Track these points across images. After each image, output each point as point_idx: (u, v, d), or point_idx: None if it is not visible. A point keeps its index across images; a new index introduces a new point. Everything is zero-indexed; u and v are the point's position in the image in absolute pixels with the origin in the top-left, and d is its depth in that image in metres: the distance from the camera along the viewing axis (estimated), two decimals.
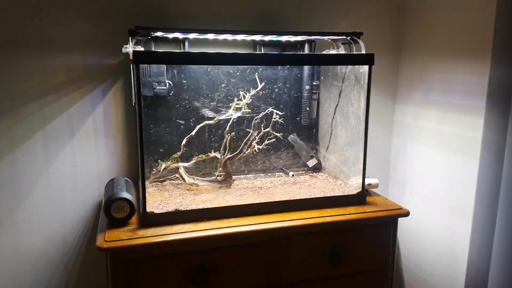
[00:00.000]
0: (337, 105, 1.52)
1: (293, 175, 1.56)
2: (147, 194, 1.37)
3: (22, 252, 1.46)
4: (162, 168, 1.43)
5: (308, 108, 1.55)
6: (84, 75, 1.44)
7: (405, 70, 1.74)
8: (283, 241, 1.23)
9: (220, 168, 1.43)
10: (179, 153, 1.44)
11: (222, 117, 1.41)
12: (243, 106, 1.39)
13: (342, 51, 1.44)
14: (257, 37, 1.43)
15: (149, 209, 1.19)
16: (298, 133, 1.61)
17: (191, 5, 1.49)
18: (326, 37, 1.43)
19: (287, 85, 1.56)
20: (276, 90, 1.55)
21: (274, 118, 1.41)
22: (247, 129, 1.44)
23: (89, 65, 1.44)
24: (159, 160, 1.46)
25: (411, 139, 1.73)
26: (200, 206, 1.23)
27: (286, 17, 1.60)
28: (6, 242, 1.43)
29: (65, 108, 1.44)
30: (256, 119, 1.40)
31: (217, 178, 1.44)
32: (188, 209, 1.21)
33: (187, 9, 1.49)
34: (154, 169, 1.46)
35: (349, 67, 1.42)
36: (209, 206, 1.24)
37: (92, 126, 1.48)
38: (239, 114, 1.40)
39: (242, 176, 1.57)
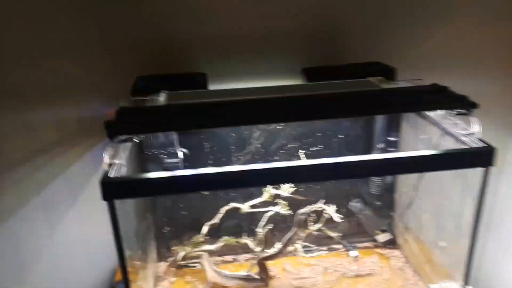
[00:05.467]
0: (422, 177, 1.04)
1: (356, 256, 1.16)
2: None
3: None
4: (180, 256, 1.11)
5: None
6: (80, 129, 1.11)
7: None
8: None
9: (255, 266, 1.07)
10: (201, 239, 1.10)
11: (253, 206, 1.01)
12: (282, 205, 0.97)
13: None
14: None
15: None
16: (364, 200, 1.17)
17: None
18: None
19: (349, 141, 1.10)
20: (333, 151, 1.10)
21: (325, 214, 0.98)
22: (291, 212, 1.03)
23: (84, 117, 1.11)
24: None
25: None
26: None
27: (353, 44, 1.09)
28: None
29: (61, 170, 1.14)
30: (300, 213, 0.99)
31: (251, 274, 1.09)
32: None
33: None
34: (172, 249, 1.15)
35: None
36: None
37: (98, 187, 1.18)
38: (277, 209, 0.99)
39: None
